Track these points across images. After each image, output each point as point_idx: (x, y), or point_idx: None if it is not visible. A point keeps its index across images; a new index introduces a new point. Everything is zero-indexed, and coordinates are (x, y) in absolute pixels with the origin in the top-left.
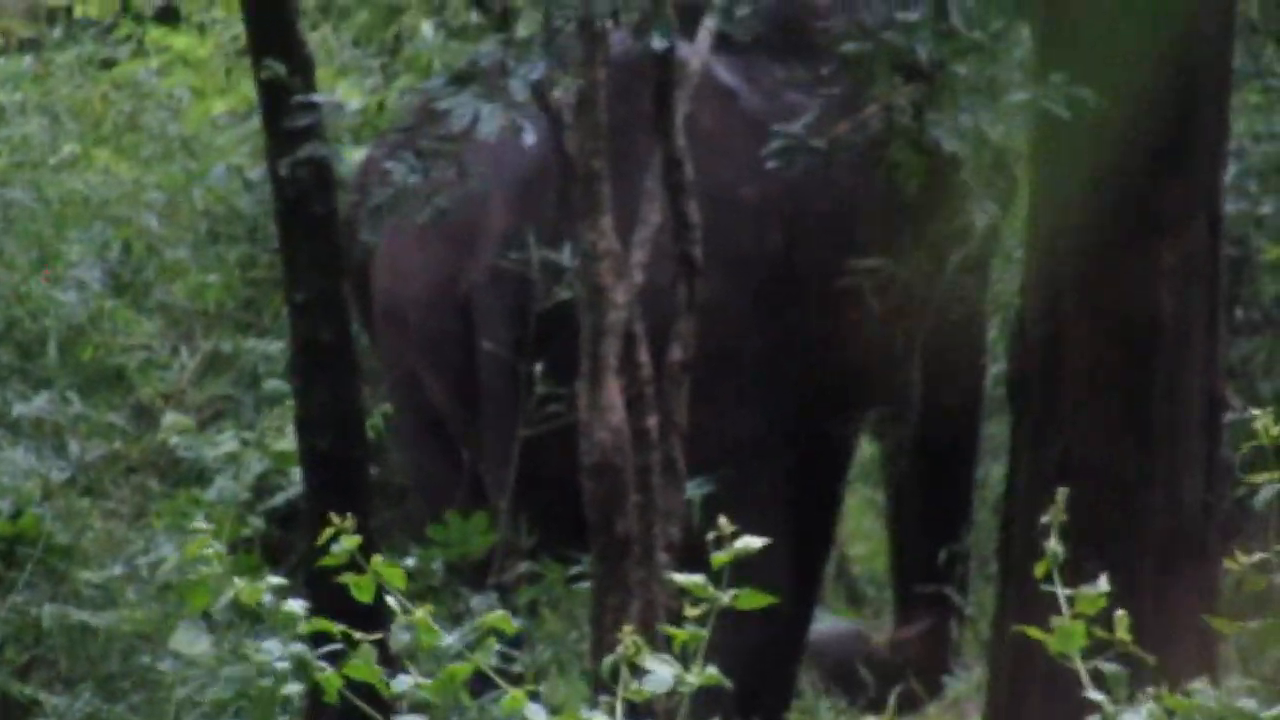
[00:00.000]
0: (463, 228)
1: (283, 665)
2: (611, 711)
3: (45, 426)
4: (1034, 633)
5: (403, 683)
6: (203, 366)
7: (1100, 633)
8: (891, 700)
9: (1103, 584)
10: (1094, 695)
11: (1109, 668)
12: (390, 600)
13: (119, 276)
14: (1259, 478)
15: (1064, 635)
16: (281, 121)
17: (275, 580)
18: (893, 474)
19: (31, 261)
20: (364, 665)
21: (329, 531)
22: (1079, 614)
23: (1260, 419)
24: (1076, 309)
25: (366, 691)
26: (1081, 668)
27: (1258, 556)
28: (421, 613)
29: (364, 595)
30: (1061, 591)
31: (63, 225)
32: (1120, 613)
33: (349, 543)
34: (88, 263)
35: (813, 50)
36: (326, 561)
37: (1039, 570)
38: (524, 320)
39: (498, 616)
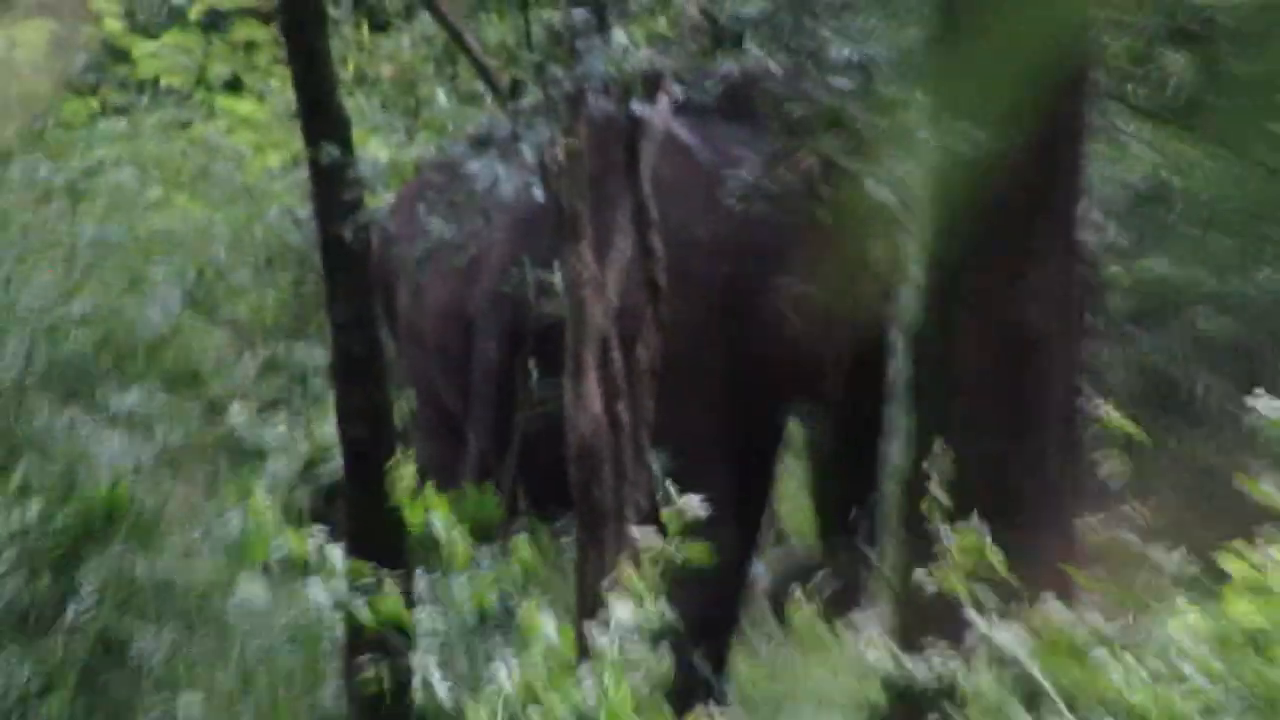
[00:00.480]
0: (469, 260)
1: (325, 605)
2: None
3: (135, 417)
4: (936, 574)
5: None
6: (261, 369)
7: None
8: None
9: (975, 522)
10: (972, 615)
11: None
12: (436, 523)
13: (194, 296)
14: (1111, 460)
15: (948, 572)
16: (325, 176)
17: (319, 532)
18: (816, 454)
19: (124, 285)
20: (391, 600)
21: (394, 463)
22: (959, 547)
23: (1110, 411)
24: (964, 322)
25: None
26: (963, 591)
27: (1102, 516)
28: (459, 534)
29: (416, 517)
30: (946, 530)
31: (149, 256)
32: (992, 547)
33: (409, 474)
34: (169, 286)
35: (755, 112)
36: (396, 493)
37: (925, 510)
38: (517, 334)
39: (526, 556)
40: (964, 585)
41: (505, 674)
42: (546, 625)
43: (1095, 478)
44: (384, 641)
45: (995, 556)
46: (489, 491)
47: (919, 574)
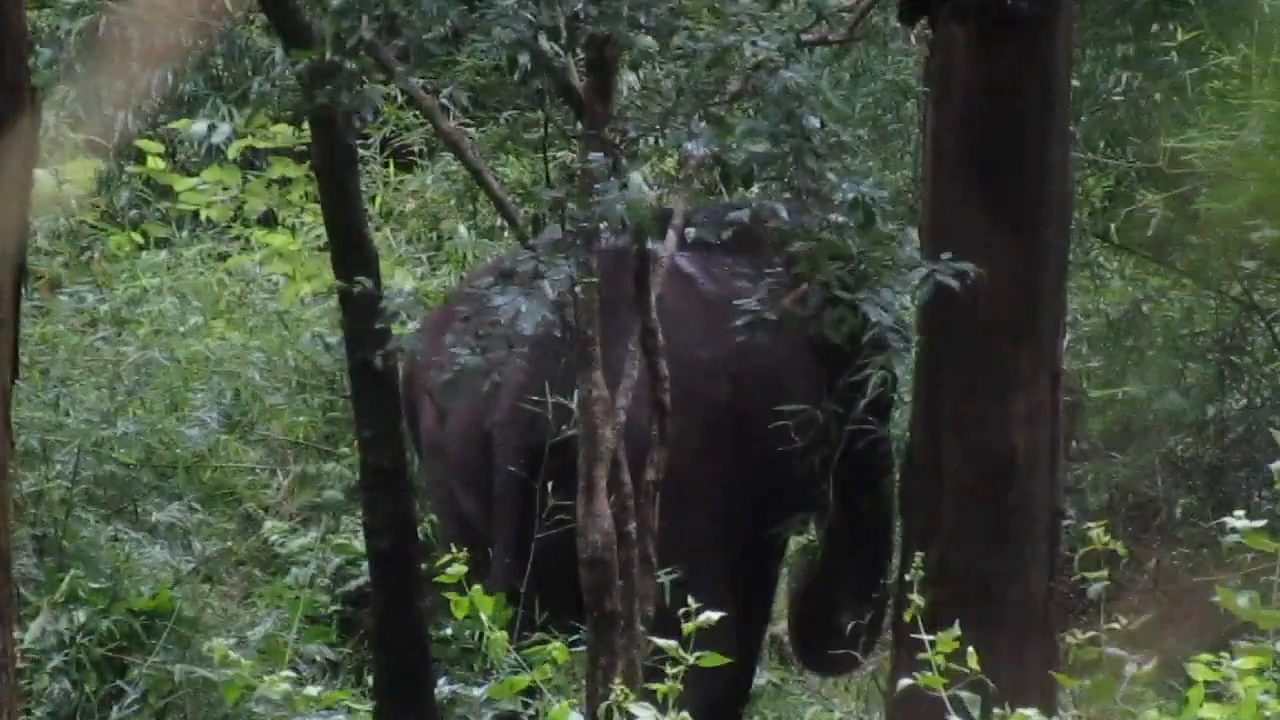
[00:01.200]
0: (494, 386)
1: None
2: None
3: (175, 529)
4: (923, 679)
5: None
6: (293, 484)
7: (959, 668)
8: None
9: (955, 630)
10: (954, 717)
11: (965, 694)
12: (483, 617)
13: (231, 417)
14: (1092, 575)
15: (930, 676)
16: (354, 304)
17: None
18: (802, 562)
19: (166, 405)
20: None
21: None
22: (939, 651)
23: (1094, 530)
24: (951, 443)
25: None
26: (944, 694)
27: (1090, 634)
28: (500, 635)
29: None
30: (925, 637)
31: (189, 379)
32: (971, 651)
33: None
34: (207, 406)
35: (753, 245)
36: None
37: (906, 616)
38: (535, 452)
39: (556, 647)
40: (943, 685)
41: None
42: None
43: (1078, 591)
44: None
45: (974, 660)
46: (501, 600)
47: (903, 678)
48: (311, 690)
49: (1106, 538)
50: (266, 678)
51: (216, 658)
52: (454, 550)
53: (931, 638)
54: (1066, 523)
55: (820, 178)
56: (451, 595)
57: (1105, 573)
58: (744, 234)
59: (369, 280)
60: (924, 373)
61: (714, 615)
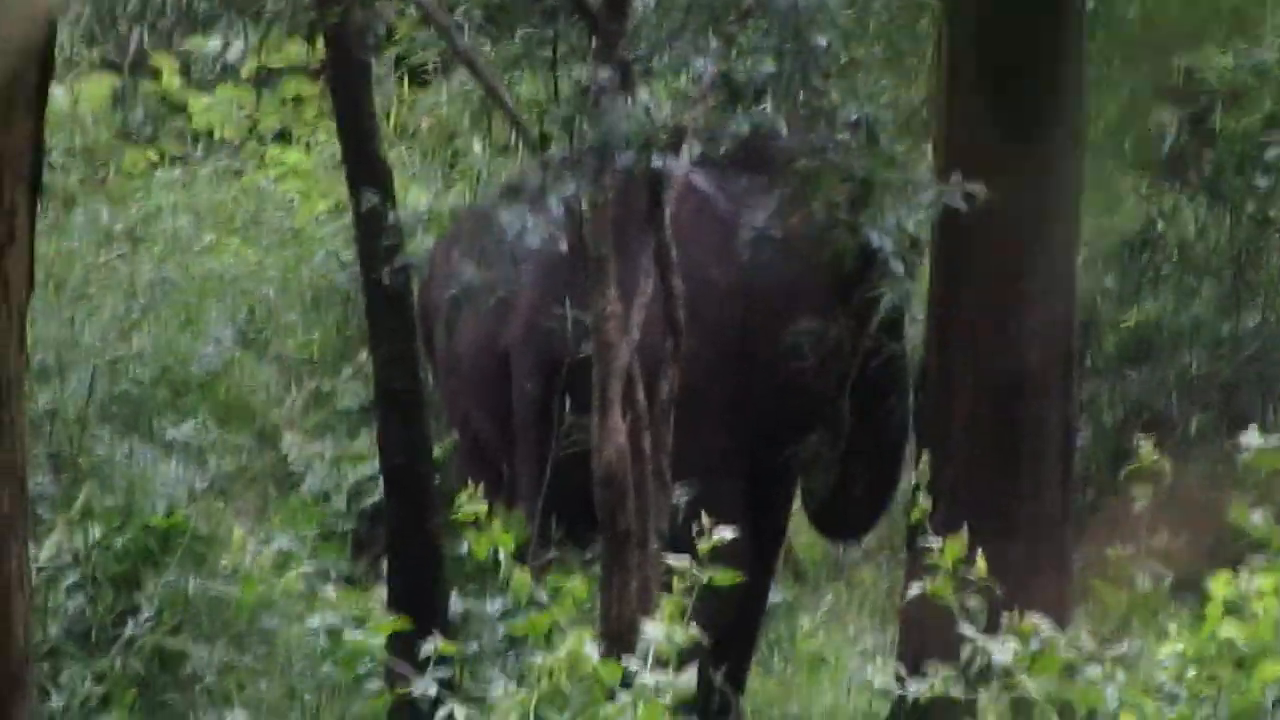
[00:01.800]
0: (501, 301)
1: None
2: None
3: (190, 447)
4: (931, 587)
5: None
6: (308, 402)
7: (970, 576)
8: None
9: (964, 534)
10: (964, 627)
11: (973, 601)
12: (502, 555)
13: (245, 334)
14: (1139, 489)
15: (940, 583)
16: (368, 221)
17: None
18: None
19: (181, 323)
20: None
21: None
22: (947, 558)
23: (1143, 445)
24: (963, 362)
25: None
26: (951, 599)
27: (1130, 549)
28: (520, 571)
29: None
30: (933, 541)
31: (203, 296)
32: (979, 558)
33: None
34: (222, 324)
35: (766, 164)
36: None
37: (913, 517)
38: (549, 367)
39: (576, 584)
40: (953, 594)
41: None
42: (587, 647)
43: (1090, 507)
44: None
45: (982, 566)
46: (517, 517)
47: (914, 585)
48: (329, 592)
49: (1155, 454)
50: (283, 580)
51: (229, 566)
52: (468, 475)
53: (939, 542)
54: (1079, 441)
55: (825, 96)
56: (467, 532)
57: (1151, 487)
58: (759, 153)
59: (382, 197)
60: (936, 291)
61: (727, 533)
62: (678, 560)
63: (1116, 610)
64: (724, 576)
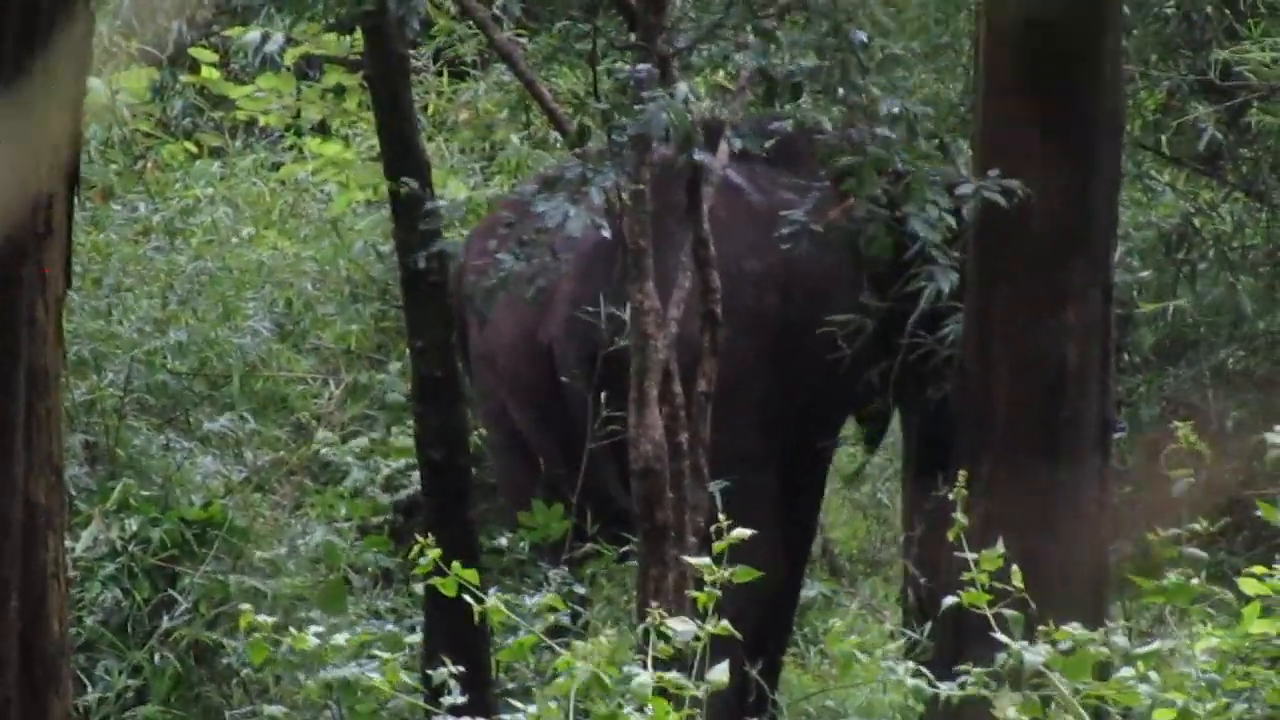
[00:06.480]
0: (539, 293)
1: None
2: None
3: (227, 439)
4: (967, 597)
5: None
6: (345, 394)
7: (1001, 584)
8: None
9: (999, 547)
10: (999, 635)
11: (1009, 613)
12: (466, 596)
13: (283, 326)
14: (1177, 473)
15: (974, 594)
16: (406, 212)
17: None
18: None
19: (218, 315)
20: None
21: (416, 549)
22: (982, 569)
23: (1181, 429)
24: (1002, 357)
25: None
26: (987, 611)
27: (1172, 532)
28: (493, 600)
29: (449, 591)
30: (970, 555)
31: (241, 288)
32: (1015, 568)
33: (432, 554)
34: (260, 316)
35: (799, 158)
36: (418, 570)
37: (951, 535)
38: (590, 362)
39: (553, 598)
40: (987, 603)
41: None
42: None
43: (1127, 503)
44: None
45: (1018, 578)
46: (557, 508)
47: (947, 599)
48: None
49: (1194, 438)
50: (292, 633)
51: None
52: (504, 467)
53: (975, 555)
54: (1117, 435)
55: (865, 92)
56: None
57: (1190, 471)
58: (788, 146)
59: (420, 188)
60: (976, 286)
61: (745, 531)
62: (699, 560)
63: (1152, 602)
64: (744, 573)
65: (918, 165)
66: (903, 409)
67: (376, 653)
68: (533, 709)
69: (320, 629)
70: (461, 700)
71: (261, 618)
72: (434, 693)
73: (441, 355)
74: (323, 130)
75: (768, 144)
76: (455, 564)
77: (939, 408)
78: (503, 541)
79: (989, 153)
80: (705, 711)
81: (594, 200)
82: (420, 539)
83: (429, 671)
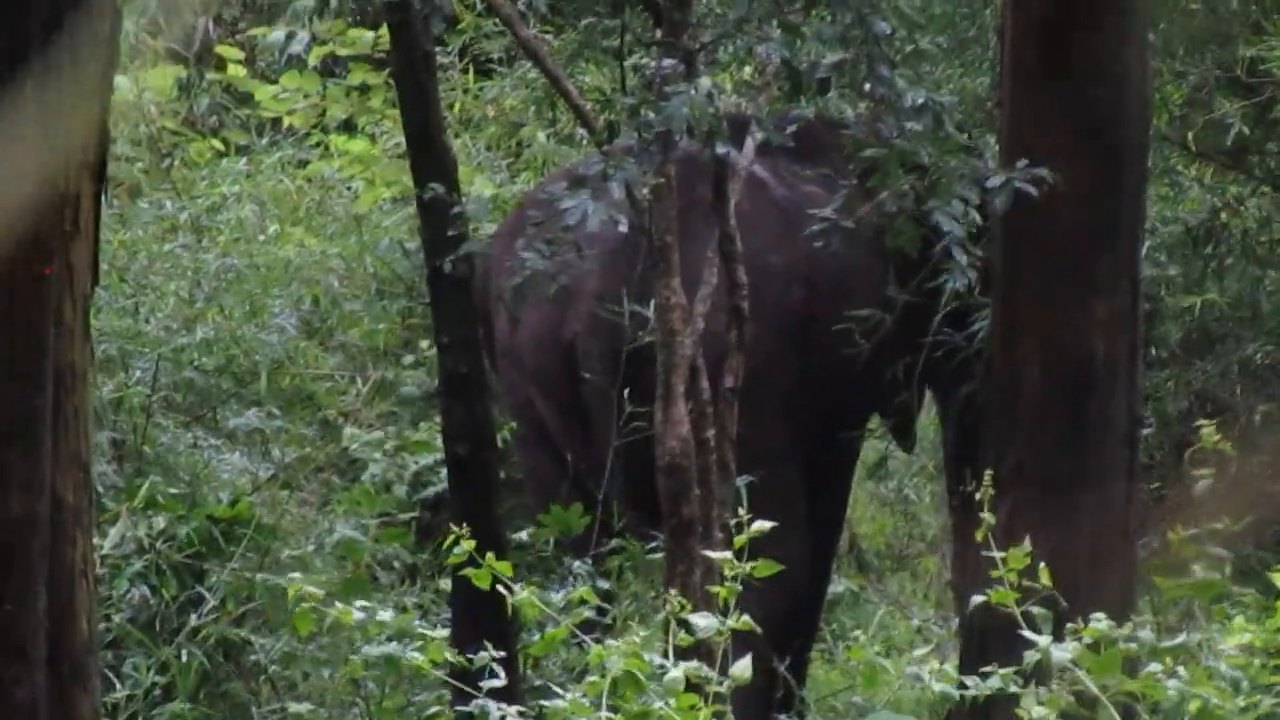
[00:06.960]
0: (564, 289)
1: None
2: (667, 655)
3: (254, 436)
4: (994, 595)
5: None
6: (372, 391)
7: (1030, 582)
8: None
9: (1026, 545)
10: (1026, 632)
11: (1037, 610)
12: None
13: (310, 323)
14: (1200, 472)
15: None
16: (432, 210)
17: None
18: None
19: (245, 312)
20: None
21: (449, 540)
22: (1010, 568)
23: (1205, 428)
24: (1030, 351)
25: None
26: (1015, 610)
27: (1193, 532)
28: (525, 592)
29: (482, 583)
30: (997, 554)
31: (267, 286)
32: (1043, 565)
33: (466, 545)
34: (286, 313)
35: (823, 152)
36: (450, 560)
37: (978, 535)
38: (615, 358)
39: (584, 590)
40: (1013, 602)
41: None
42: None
43: (1156, 498)
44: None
45: (1045, 576)
46: (576, 507)
47: (975, 598)
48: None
49: (1217, 436)
50: (339, 605)
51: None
52: (530, 463)
53: (1003, 554)
54: (1145, 430)
55: (890, 85)
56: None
57: (1212, 470)
58: (812, 140)
59: (446, 186)
60: (1002, 280)
61: (765, 525)
62: (720, 555)
63: (1180, 597)
64: (764, 567)
65: (944, 159)
66: (940, 403)
67: (420, 628)
68: (569, 698)
69: (365, 604)
70: (501, 684)
71: (310, 589)
72: (464, 682)
73: (468, 351)
74: (349, 128)
75: (789, 136)
76: (489, 555)
77: (975, 402)
78: (523, 536)
79: (1016, 147)
80: (732, 707)
81: (617, 196)
82: (451, 531)
83: (468, 656)
